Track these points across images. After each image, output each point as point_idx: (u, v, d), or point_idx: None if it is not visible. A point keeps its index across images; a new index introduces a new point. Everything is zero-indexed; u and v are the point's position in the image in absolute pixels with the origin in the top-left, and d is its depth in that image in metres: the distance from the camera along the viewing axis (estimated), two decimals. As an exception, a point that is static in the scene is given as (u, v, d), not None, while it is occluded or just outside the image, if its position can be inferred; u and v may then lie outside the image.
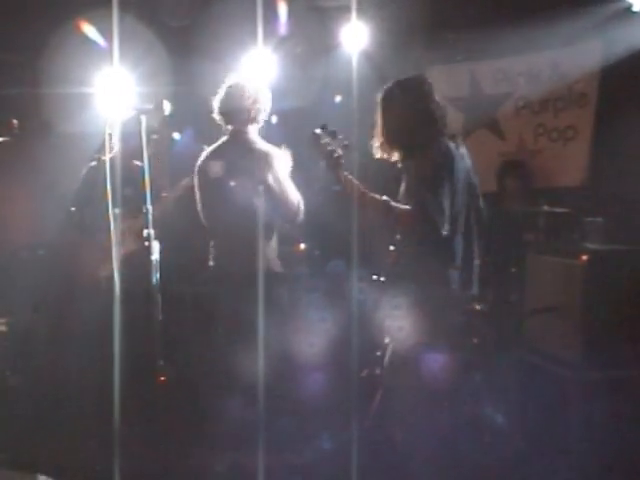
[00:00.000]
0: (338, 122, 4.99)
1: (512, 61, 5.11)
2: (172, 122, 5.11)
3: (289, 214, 3.69)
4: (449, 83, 5.40)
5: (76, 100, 4.32)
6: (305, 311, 4.21)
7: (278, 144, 3.90)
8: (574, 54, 4.80)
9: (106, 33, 4.21)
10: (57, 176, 4.58)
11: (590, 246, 3.65)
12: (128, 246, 3.77)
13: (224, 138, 3.83)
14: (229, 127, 3.81)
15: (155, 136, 3.65)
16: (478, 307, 4.25)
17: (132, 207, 3.59)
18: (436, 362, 3.98)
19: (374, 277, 3.78)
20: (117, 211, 3.48)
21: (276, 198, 3.62)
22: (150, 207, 2.92)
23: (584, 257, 3.42)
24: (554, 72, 4.96)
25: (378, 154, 3.20)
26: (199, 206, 3.85)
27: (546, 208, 4.33)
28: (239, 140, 3.73)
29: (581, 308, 3.37)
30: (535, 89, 5.03)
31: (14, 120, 4.42)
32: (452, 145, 3.07)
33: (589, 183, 4.59)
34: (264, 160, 3.61)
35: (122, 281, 3.05)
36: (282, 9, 4.67)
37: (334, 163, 3.11)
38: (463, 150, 3.14)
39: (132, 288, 3.22)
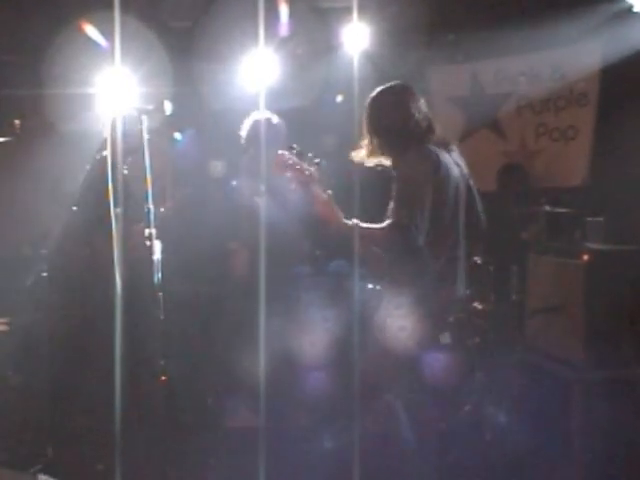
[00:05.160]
0: (338, 122, 5.04)
1: (513, 61, 5.11)
2: (173, 122, 5.13)
3: None
4: (450, 83, 5.41)
5: (78, 100, 4.33)
6: (307, 310, 4.22)
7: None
8: (575, 54, 4.81)
9: (107, 33, 4.21)
10: (59, 176, 4.59)
11: (591, 246, 3.65)
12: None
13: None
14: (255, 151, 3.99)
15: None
16: (479, 306, 4.27)
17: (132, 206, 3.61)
18: (437, 361, 3.99)
19: (370, 286, 3.83)
20: (118, 210, 3.49)
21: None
22: (152, 206, 2.92)
23: (585, 257, 3.42)
24: (555, 72, 4.96)
25: (367, 161, 3.12)
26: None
27: (547, 208, 4.33)
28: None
29: (582, 308, 3.36)
30: (536, 89, 5.04)
31: (16, 120, 4.43)
32: (439, 152, 2.96)
33: (590, 182, 4.59)
34: None
35: (123, 280, 3.05)
36: (283, 10, 4.68)
37: (304, 182, 2.97)
38: (456, 157, 3.06)
39: (133, 288, 3.22)
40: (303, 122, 4.92)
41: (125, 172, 3.75)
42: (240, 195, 4.01)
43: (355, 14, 4.63)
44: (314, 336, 4.16)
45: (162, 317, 2.91)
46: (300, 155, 3.02)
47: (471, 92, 5.35)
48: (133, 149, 3.48)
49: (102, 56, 4.23)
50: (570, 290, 3.43)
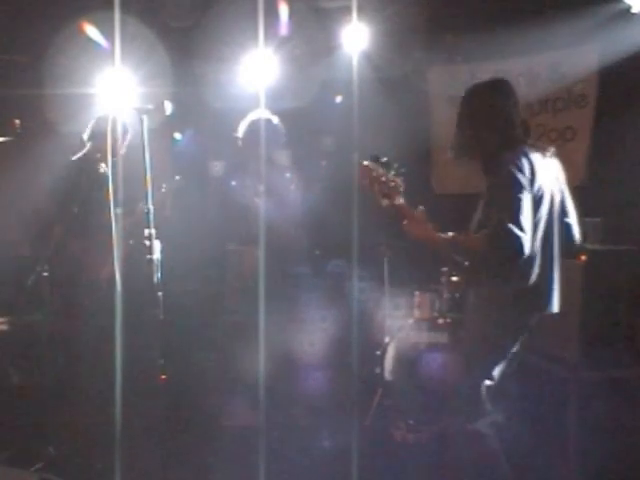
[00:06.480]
0: (338, 123, 5.05)
1: (512, 62, 5.12)
2: (173, 122, 5.14)
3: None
4: (449, 84, 5.41)
5: (78, 100, 4.34)
6: (306, 310, 4.23)
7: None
8: (573, 55, 4.81)
9: (108, 34, 4.22)
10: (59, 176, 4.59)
11: (589, 246, 3.66)
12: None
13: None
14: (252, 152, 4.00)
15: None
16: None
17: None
18: (437, 362, 4.01)
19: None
20: (119, 210, 3.51)
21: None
22: (151, 207, 2.93)
23: (582, 257, 3.43)
24: (554, 73, 4.97)
25: (456, 156, 2.92)
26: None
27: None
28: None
29: (580, 308, 3.38)
30: (535, 90, 5.04)
31: (16, 120, 4.44)
32: (536, 154, 2.76)
33: (588, 183, 4.60)
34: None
35: (123, 280, 3.07)
36: (283, 10, 4.68)
37: (389, 194, 2.80)
38: (550, 160, 2.84)
39: (133, 288, 3.24)
40: (302, 122, 4.94)
41: (102, 171, 3.80)
42: (240, 195, 4.03)
43: (354, 14, 4.65)
44: (313, 336, 4.18)
45: (162, 317, 2.93)
46: (386, 165, 2.85)
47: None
48: (115, 150, 3.54)
49: (102, 56, 4.24)
50: (568, 290, 3.44)
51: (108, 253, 3.74)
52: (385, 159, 2.85)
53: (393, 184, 2.81)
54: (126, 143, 3.89)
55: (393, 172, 2.84)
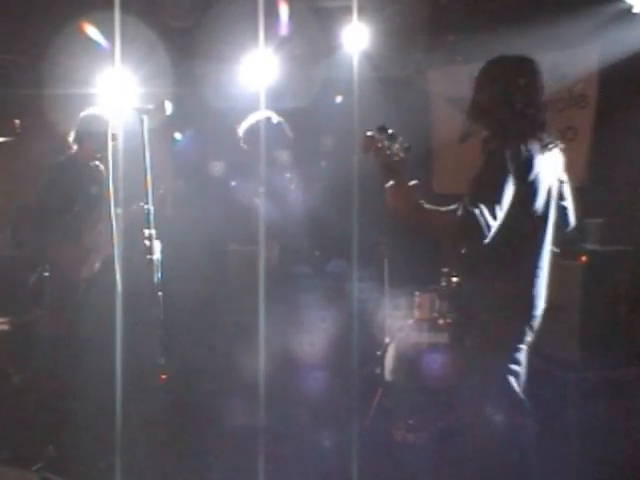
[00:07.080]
0: (338, 123, 5.05)
1: (512, 62, 5.12)
2: (173, 122, 5.14)
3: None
4: (449, 84, 5.42)
5: (78, 100, 4.34)
6: (306, 311, 4.23)
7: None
8: (574, 55, 4.81)
9: (108, 33, 4.22)
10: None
11: (589, 247, 3.67)
12: (105, 248, 3.73)
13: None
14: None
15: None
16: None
17: (97, 206, 3.67)
18: (437, 362, 4.01)
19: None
20: (119, 211, 3.51)
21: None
22: (152, 207, 2.93)
23: (583, 258, 3.44)
24: (554, 73, 4.96)
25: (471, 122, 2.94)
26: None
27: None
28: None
29: (580, 308, 3.39)
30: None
31: (16, 120, 4.44)
32: (536, 145, 2.71)
33: (588, 184, 4.61)
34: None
35: (123, 280, 3.07)
36: (283, 10, 4.69)
37: (394, 169, 2.62)
38: (552, 152, 2.78)
39: (133, 287, 3.24)
40: (303, 122, 4.94)
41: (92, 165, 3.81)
42: (240, 195, 4.04)
43: (355, 14, 4.65)
44: (313, 336, 4.18)
45: (162, 317, 2.93)
46: (391, 138, 2.63)
47: (470, 93, 5.35)
48: (102, 147, 3.55)
49: (102, 56, 4.23)
50: (567, 290, 3.45)
51: (90, 252, 3.79)
52: (391, 131, 2.65)
53: (398, 158, 2.62)
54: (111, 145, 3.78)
55: (397, 146, 2.64)
